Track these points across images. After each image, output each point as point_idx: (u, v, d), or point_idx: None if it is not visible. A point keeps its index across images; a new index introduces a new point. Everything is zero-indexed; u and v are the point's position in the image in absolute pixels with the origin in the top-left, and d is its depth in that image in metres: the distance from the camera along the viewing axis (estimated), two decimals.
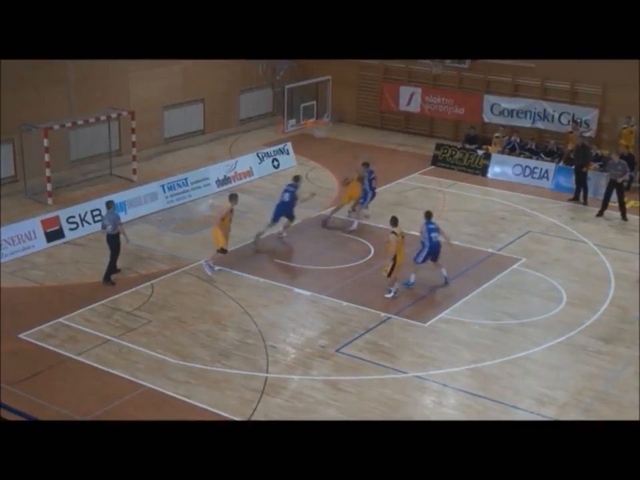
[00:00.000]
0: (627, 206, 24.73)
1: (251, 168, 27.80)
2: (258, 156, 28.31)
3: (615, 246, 22.33)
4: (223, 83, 32.41)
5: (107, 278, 19.49)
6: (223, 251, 19.82)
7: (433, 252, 19.52)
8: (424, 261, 19.52)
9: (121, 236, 19.73)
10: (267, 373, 15.84)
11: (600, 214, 24.56)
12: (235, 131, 33.07)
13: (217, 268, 19.96)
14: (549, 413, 14.62)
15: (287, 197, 22.09)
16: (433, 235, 19.41)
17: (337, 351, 16.67)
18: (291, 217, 22.31)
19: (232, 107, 33.35)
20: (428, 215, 19.75)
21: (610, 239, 22.97)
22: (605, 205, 24.64)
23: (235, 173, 27.18)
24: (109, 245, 19.76)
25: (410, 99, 33.13)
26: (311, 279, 20.05)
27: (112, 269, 19.66)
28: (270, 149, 29.01)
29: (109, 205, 20.11)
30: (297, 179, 22.80)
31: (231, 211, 20.11)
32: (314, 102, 33.99)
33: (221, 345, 16.87)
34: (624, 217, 24.29)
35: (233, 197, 20.47)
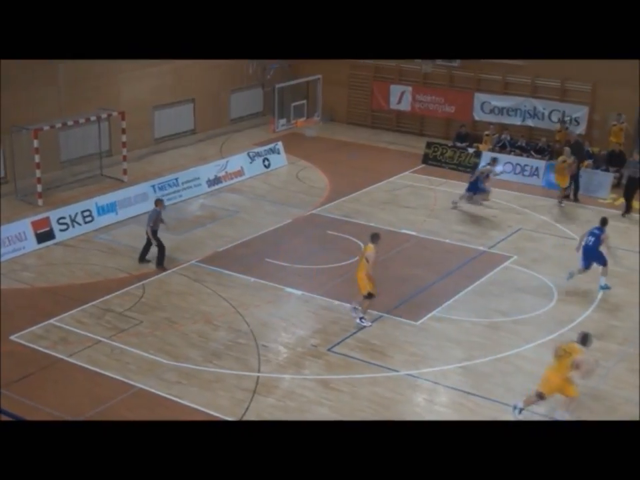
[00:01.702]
0: (617, 203, 24.80)
1: (241, 167, 27.79)
2: (249, 155, 28.30)
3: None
4: (214, 82, 32.38)
5: (159, 262, 20.42)
6: (370, 295, 17.47)
7: (586, 255, 19.43)
8: (586, 266, 19.43)
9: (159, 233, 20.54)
10: (259, 372, 15.83)
11: (627, 212, 24.64)
12: (226, 130, 33.05)
13: (362, 319, 17.75)
14: (540, 410, 14.64)
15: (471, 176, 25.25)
16: (589, 238, 19.38)
17: (329, 350, 16.67)
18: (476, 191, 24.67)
19: (222, 107, 33.32)
20: (601, 222, 19.69)
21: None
22: (628, 204, 24.69)
23: (226, 172, 27.17)
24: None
25: (401, 97, 33.18)
26: (303, 278, 20.04)
27: (161, 257, 20.42)
28: (261, 149, 29.00)
29: (155, 202, 20.73)
30: (477, 154, 27.49)
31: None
32: (304, 101, 34.00)
33: (213, 345, 16.86)
34: (627, 212, 24.46)
35: (376, 237, 17.63)
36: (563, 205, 25.38)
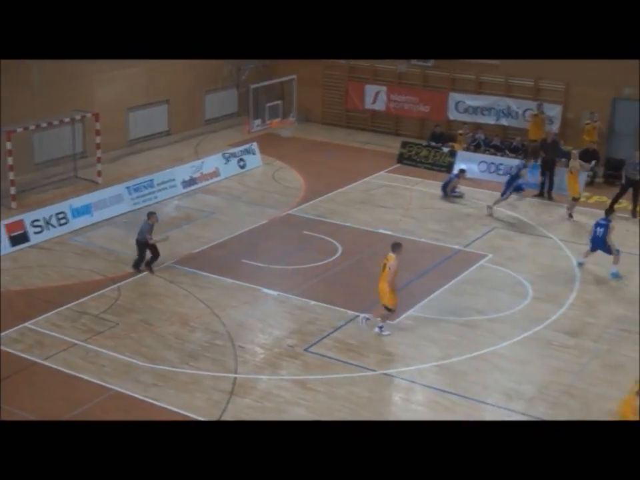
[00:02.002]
0: (591, 201, 24.96)
1: (217, 168, 27.72)
2: (224, 156, 28.23)
3: (579, 241, 22.50)
4: (188, 83, 32.28)
5: (135, 265, 20.20)
6: (389, 309, 17.19)
7: (594, 244, 20.33)
8: (592, 250, 20.50)
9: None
10: (236, 373, 15.80)
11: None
12: (201, 131, 32.95)
13: (381, 327, 17.35)
14: (517, 408, 14.73)
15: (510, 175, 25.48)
16: (597, 229, 20.17)
17: (306, 350, 16.67)
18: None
19: (197, 108, 33.23)
20: (606, 212, 20.67)
21: (575, 234, 23.16)
22: (613, 203, 24.74)
23: (201, 173, 27.08)
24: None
25: (375, 97, 33.24)
26: (279, 279, 20.03)
27: (139, 261, 20.19)
28: (236, 149, 28.95)
29: (148, 216, 20.35)
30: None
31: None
32: (279, 101, 33.92)
33: (189, 346, 16.80)
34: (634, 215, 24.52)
35: (397, 247, 17.22)
36: (573, 219, 24.22)
